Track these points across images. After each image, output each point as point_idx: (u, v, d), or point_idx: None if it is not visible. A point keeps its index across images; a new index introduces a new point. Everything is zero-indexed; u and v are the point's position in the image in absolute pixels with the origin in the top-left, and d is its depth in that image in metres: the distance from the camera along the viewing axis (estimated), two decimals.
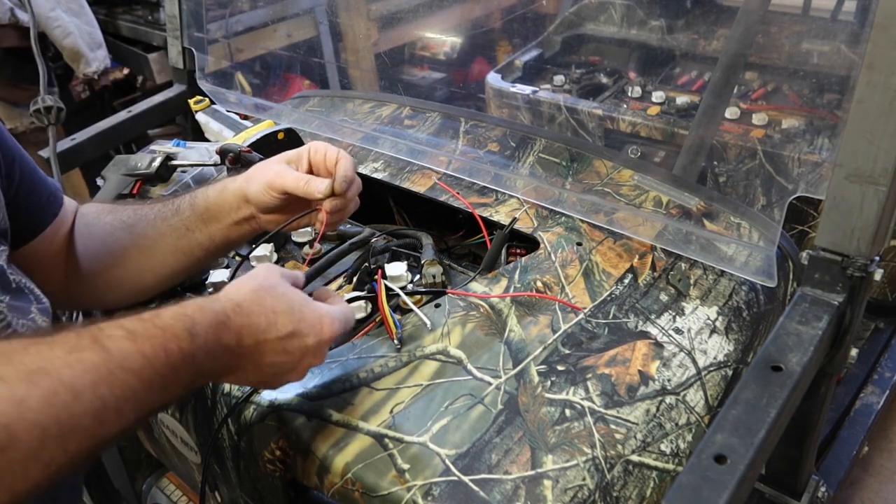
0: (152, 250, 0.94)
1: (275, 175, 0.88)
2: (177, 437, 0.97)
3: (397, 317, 0.88)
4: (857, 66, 0.67)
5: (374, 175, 1.22)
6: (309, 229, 1.08)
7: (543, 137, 1.25)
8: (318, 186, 0.87)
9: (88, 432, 0.52)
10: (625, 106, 1.81)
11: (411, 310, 0.89)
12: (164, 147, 1.33)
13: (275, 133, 1.14)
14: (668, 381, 0.82)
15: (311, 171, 0.92)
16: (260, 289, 0.69)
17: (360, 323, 0.96)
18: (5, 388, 0.48)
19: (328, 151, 0.91)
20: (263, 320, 0.67)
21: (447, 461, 0.72)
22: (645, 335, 0.87)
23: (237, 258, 1.07)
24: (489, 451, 0.73)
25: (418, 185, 1.17)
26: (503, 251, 1.03)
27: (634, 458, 0.74)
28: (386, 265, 0.99)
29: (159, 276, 0.96)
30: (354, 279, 1.01)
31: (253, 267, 0.95)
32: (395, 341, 0.85)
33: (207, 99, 1.52)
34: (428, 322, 0.87)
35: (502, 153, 1.23)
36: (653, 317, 0.90)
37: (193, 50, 1.60)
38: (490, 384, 0.80)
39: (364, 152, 1.29)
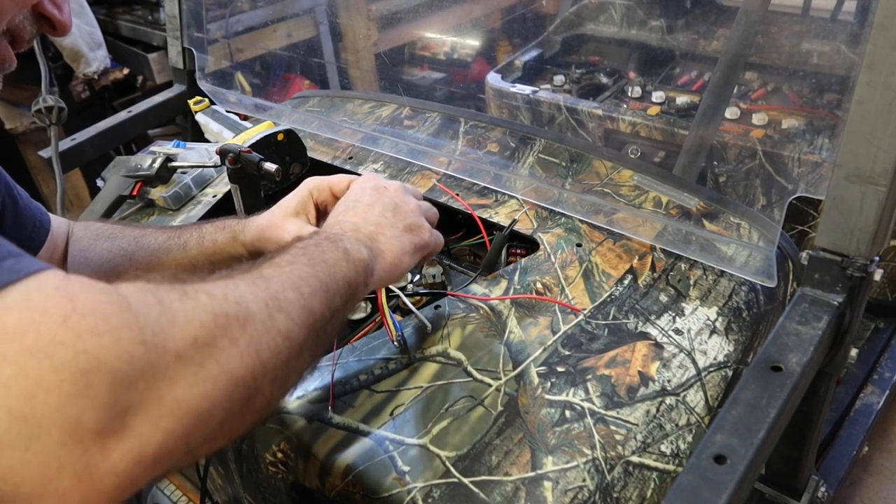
0: None
1: (293, 238, 0.85)
2: None
3: (397, 318, 0.88)
4: (857, 66, 0.67)
5: None
6: None
7: (543, 138, 1.25)
8: None
9: (297, 303, 0.56)
10: (625, 106, 1.81)
11: (411, 311, 0.89)
12: (164, 148, 1.33)
13: (275, 134, 1.14)
14: (668, 381, 0.82)
15: (319, 214, 0.90)
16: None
17: (360, 324, 0.96)
18: (218, 282, 0.53)
19: (331, 186, 0.88)
20: (350, 199, 0.79)
21: (447, 463, 0.72)
22: (645, 336, 0.87)
23: None
24: (489, 453, 0.73)
25: (418, 186, 1.17)
26: (503, 252, 1.03)
27: (635, 459, 0.74)
28: None
29: None
30: None
31: None
32: (395, 343, 0.85)
33: (207, 99, 1.52)
34: (428, 324, 0.87)
35: (502, 153, 1.23)
36: (653, 318, 0.90)
37: (193, 50, 1.59)
38: (490, 386, 0.80)
39: (364, 153, 1.29)
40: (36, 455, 0.39)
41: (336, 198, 0.88)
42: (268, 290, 0.55)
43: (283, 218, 0.87)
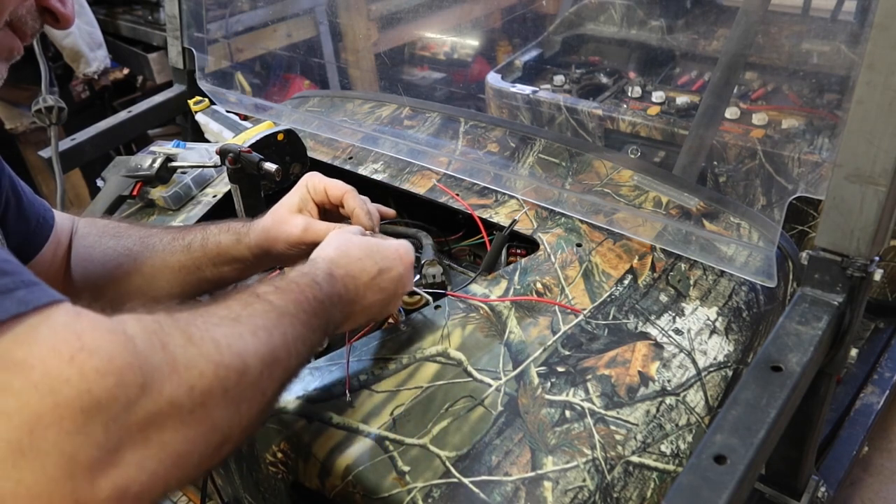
0: (156, 279, 0.92)
1: (302, 232, 0.88)
2: None
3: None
4: (857, 66, 0.67)
5: (375, 176, 1.22)
6: None
7: (543, 138, 1.25)
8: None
9: (283, 364, 0.59)
10: (625, 106, 1.81)
11: (411, 310, 0.89)
12: (164, 148, 1.33)
13: (275, 134, 1.14)
14: (668, 381, 0.82)
15: (320, 210, 0.92)
16: (341, 245, 0.79)
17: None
18: (224, 328, 0.55)
19: (327, 188, 0.91)
20: (356, 268, 0.77)
21: (447, 463, 0.72)
22: (645, 336, 0.87)
23: None
24: (489, 453, 0.73)
25: (418, 187, 1.17)
26: (503, 252, 1.03)
27: (635, 459, 0.74)
28: None
29: (162, 300, 0.96)
30: None
31: None
32: (402, 326, 0.86)
33: (207, 99, 1.52)
34: (428, 298, 0.89)
35: (502, 153, 1.23)
36: (653, 318, 0.90)
37: (193, 50, 1.59)
38: (490, 386, 0.80)
39: (364, 153, 1.29)
40: (27, 488, 0.40)
41: (331, 201, 0.90)
42: (268, 345, 0.57)
43: (289, 214, 0.89)
